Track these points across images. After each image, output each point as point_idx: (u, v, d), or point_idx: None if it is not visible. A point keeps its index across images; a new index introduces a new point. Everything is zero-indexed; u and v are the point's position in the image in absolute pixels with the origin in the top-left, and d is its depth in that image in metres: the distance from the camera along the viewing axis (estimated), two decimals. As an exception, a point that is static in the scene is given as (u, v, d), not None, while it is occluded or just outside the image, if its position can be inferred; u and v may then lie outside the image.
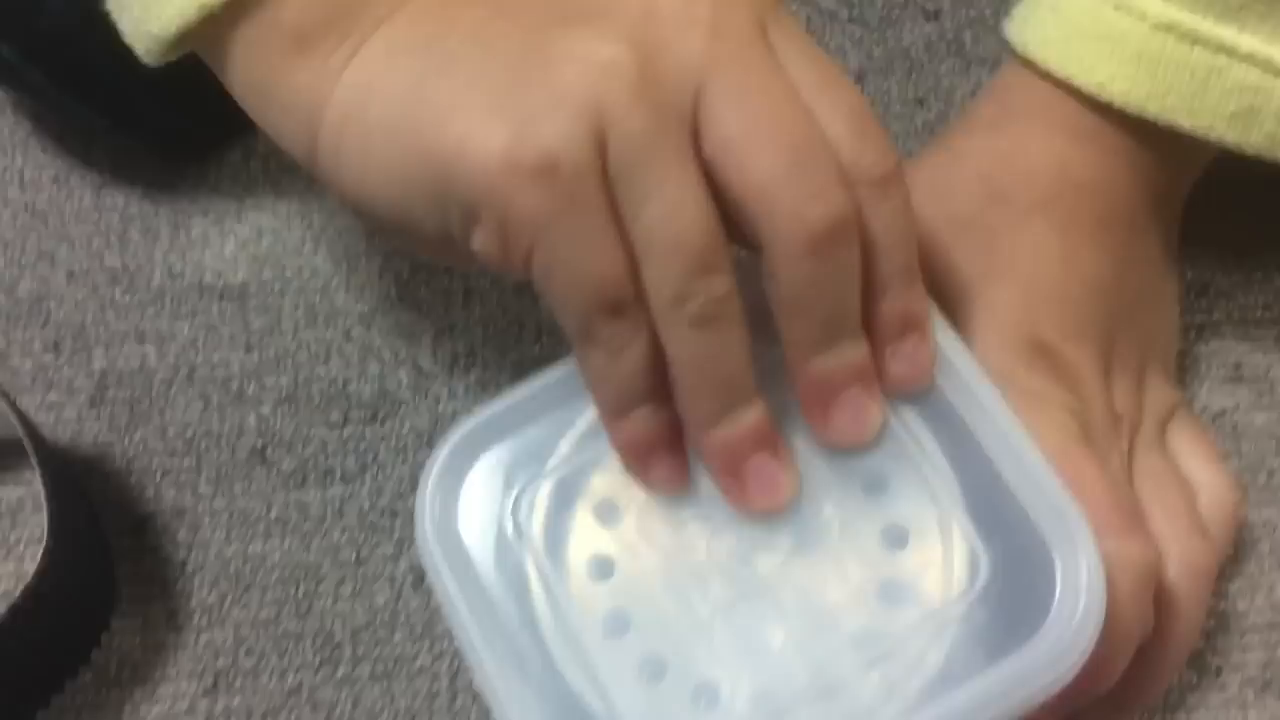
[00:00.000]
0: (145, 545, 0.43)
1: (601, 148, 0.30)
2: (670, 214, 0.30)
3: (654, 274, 0.31)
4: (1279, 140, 0.38)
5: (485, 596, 0.33)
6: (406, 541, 0.43)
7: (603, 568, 0.33)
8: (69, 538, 0.39)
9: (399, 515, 0.43)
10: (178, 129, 0.49)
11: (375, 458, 0.44)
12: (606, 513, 0.34)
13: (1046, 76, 0.40)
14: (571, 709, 0.32)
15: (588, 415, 0.34)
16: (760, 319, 0.32)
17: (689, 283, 0.31)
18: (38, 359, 0.46)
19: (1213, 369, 0.45)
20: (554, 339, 0.46)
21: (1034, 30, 0.40)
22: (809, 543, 0.33)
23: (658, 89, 0.30)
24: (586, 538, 0.34)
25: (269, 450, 0.45)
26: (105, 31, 0.35)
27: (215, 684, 0.41)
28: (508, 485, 0.34)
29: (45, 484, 0.39)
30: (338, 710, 0.40)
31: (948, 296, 0.36)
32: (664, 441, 0.33)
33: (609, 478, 0.34)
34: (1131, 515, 0.35)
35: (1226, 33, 0.37)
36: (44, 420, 0.45)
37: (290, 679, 0.41)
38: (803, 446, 0.33)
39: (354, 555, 0.43)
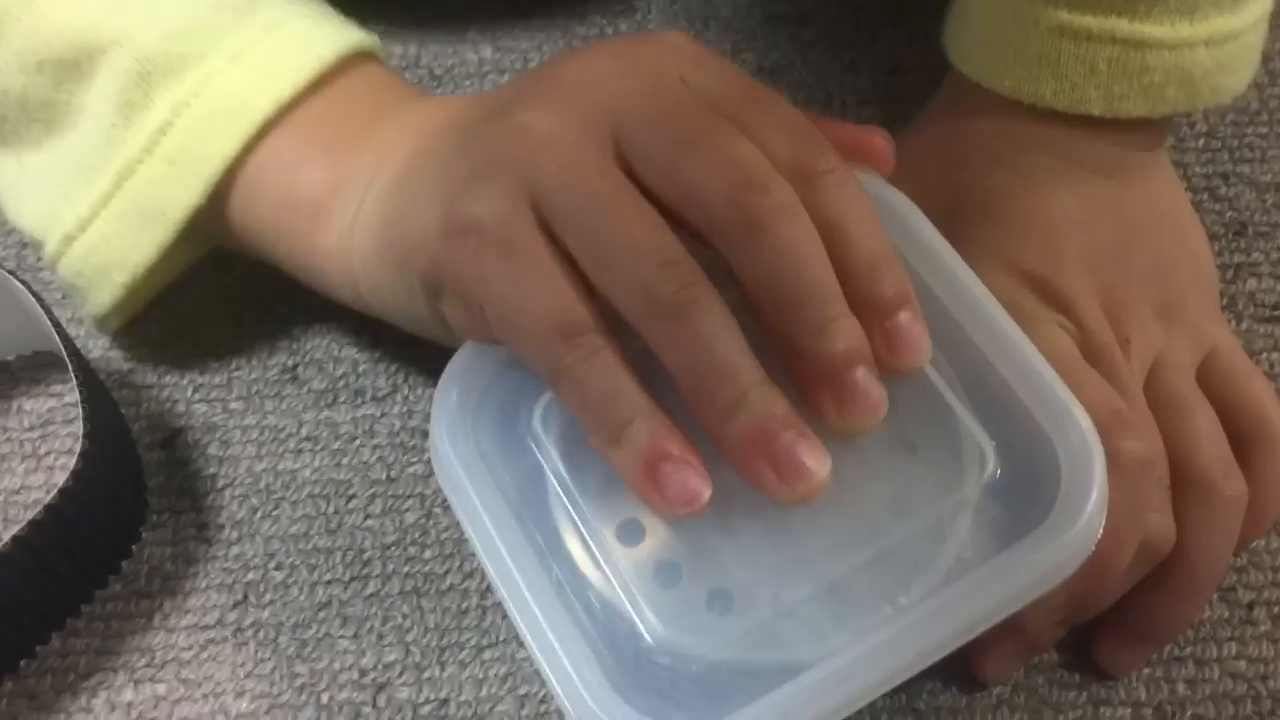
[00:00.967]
0: (176, 459, 0.43)
1: (530, 200, 0.32)
2: (609, 222, 0.31)
3: (615, 287, 0.31)
4: (1189, 100, 0.40)
5: (503, 503, 0.33)
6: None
7: (618, 481, 0.33)
8: (102, 445, 0.39)
9: (428, 435, 0.43)
10: None
11: (406, 378, 0.44)
12: None
13: (972, 82, 0.42)
14: (601, 615, 0.32)
15: None
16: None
17: (650, 277, 0.31)
18: (69, 274, 0.46)
19: (1250, 308, 0.45)
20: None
21: (955, 40, 0.43)
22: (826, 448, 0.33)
23: (570, 132, 0.32)
24: None
25: (300, 369, 0.44)
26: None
27: (245, 597, 0.41)
28: (526, 394, 0.34)
29: (80, 389, 0.39)
30: (367, 625, 0.40)
31: None
32: (666, 456, 0.31)
33: None
34: (1128, 415, 0.36)
35: (1119, 24, 0.39)
36: (75, 334, 0.45)
37: (320, 593, 0.41)
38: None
39: (384, 474, 0.43)
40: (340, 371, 0.44)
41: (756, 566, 0.32)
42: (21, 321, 0.42)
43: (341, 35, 0.40)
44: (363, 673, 0.39)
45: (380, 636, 0.40)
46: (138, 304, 0.43)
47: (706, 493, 0.31)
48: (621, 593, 0.32)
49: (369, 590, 0.41)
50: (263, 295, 0.46)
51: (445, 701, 0.39)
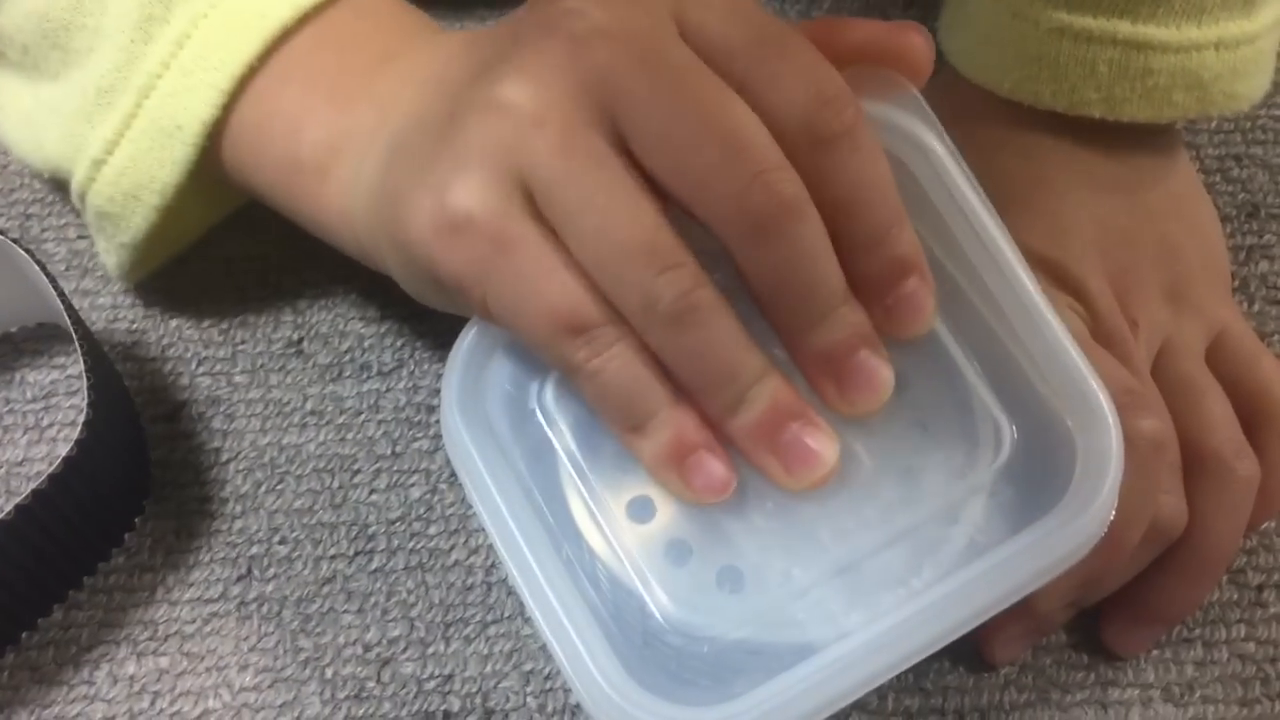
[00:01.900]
0: (179, 432, 0.43)
1: (521, 187, 0.30)
2: (606, 223, 0.30)
3: (615, 289, 0.30)
4: (1201, 104, 0.40)
5: (512, 479, 0.32)
6: (442, 437, 0.42)
7: (629, 457, 0.33)
8: (106, 416, 0.38)
9: (434, 411, 0.43)
10: None
11: (412, 353, 0.44)
12: None
13: (970, 83, 0.41)
14: (611, 593, 0.32)
15: None
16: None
17: (650, 285, 0.30)
18: (71, 245, 0.46)
19: (1261, 290, 0.45)
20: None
21: (953, 40, 0.42)
22: (840, 428, 0.32)
23: (560, 110, 0.30)
24: None
25: (305, 342, 0.44)
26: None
27: (249, 570, 0.41)
28: (536, 369, 0.34)
29: (84, 360, 0.38)
30: (372, 600, 0.40)
31: None
32: (692, 447, 0.31)
33: None
34: (1140, 395, 0.36)
35: (1120, 26, 0.38)
36: (79, 305, 0.44)
37: (324, 568, 0.41)
38: None
39: (390, 449, 0.42)
40: (346, 345, 0.44)
41: (767, 545, 0.32)
42: (25, 292, 0.42)
43: None
44: (367, 648, 0.39)
45: (385, 612, 0.40)
46: (159, 255, 0.43)
47: (733, 481, 0.31)
48: (631, 570, 0.32)
49: (373, 565, 0.41)
50: (268, 269, 0.45)
51: (450, 677, 0.39)
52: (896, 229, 0.31)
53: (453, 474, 0.42)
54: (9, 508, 0.36)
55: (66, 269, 0.45)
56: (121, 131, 0.39)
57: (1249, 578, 0.40)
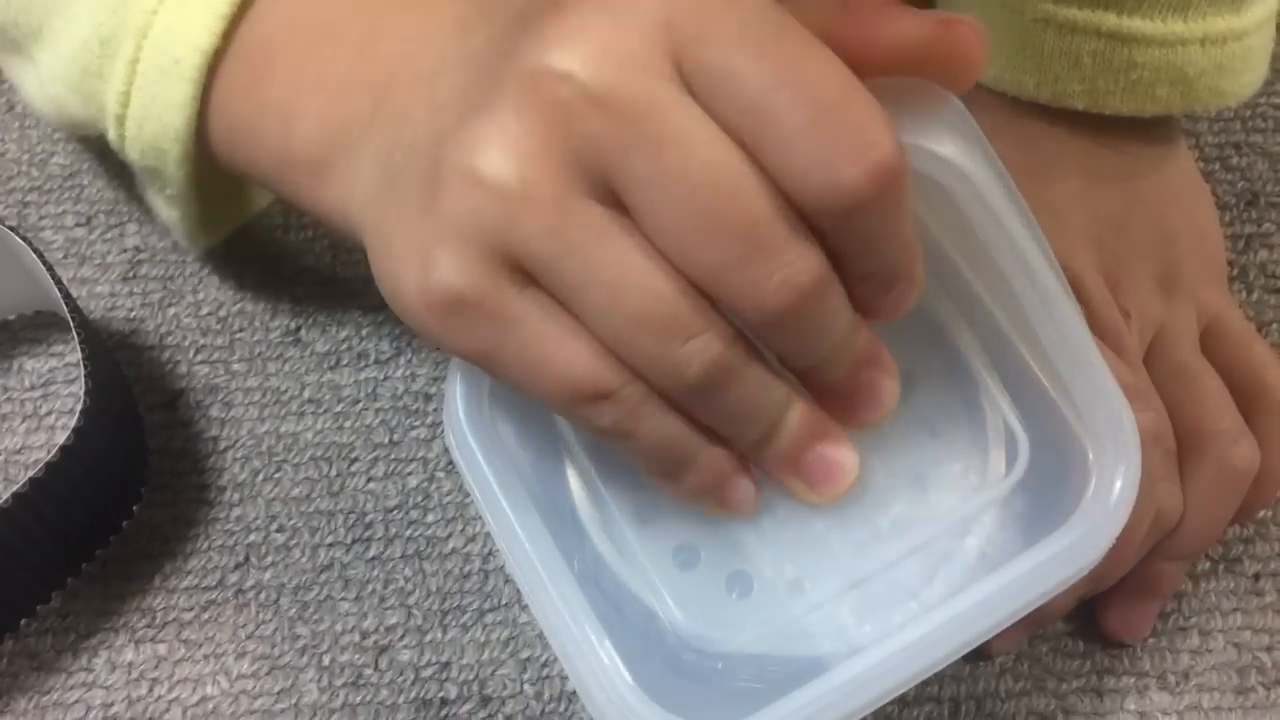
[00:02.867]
0: (177, 420, 0.43)
1: (508, 261, 0.28)
2: (617, 299, 0.27)
3: (633, 359, 0.28)
4: (1185, 100, 0.39)
5: (520, 486, 0.31)
6: (440, 425, 0.42)
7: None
8: (103, 404, 0.38)
9: (432, 399, 0.43)
10: None
11: (410, 342, 0.44)
12: None
13: None
14: (617, 597, 0.32)
15: None
16: None
17: (673, 356, 0.28)
18: (69, 233, 0.46)
19: (1260, 279, 0.45)
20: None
21: None
22: (853, 438, 0.32)
23: (550, 186, 0.27)
24: None
25: (303, 331, 0.44)
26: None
27: (246, 558, 0.41)
28: None
29: (82, 348, 0.38)
30: (369, 588, 0.40)
31: None
32: (727, 482, 0.31)
33: None
34: (1138, 389, 0.36)
35: (1105, 18, 0.38)
36: (76, 294, 0.44)
37: (322, 556, 0.41)
38: None
39: (387, 437, 0.42)
40: (343, 334, 0.44)
41: (777, 554, 0.32)
42: (23, 280, 0.42)
43: None
44: (364, 635, 0.39)
45: (382, 599, 0.40)
46: (220, 220, 0.42)
47: (760, 496, 0.31)
48: (640, 577, 0.32)
49: (371, 553, 0.41)
50: (265, 257, 0.45)
51: (447, 664, 0.39)
52: (913, 270, 0.29)
53: (449, 462, 0.42)
54: (7, 495, 0.36)
55: (64, 257, 0.45)
56: (129, 80, 0.37)
57: (1245, 566, 0.40)
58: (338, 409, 0.43)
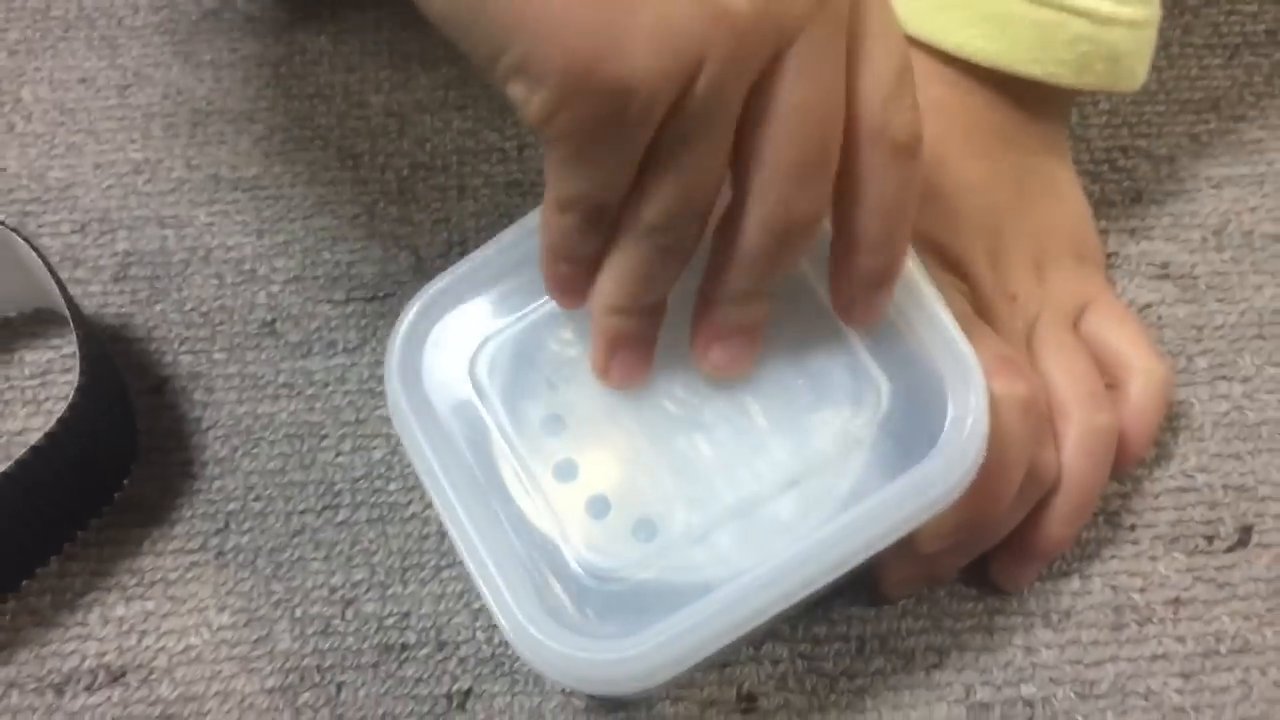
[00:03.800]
0: (164, 404, 0.47)
1: (681, 90, 0.29)
2: (692, 184, 0.31)
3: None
4: (1109, 77, 0.44)
5: (449, 445, 0.36)
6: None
7: (554, 424, 0.37)
8: (96, 386, 0.43)
9: (395, 383, 0.47)
10: None
11: (375, 332, 0.48)
12: (561, 371, 0.37)
13: (915, 41, 0.44)
14: (533, 543, 0.36)
15: None
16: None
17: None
18: (65, 239, 0.51)
19: (1142, 266, 0.49)
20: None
21: (903, 5, 0.44)
22: (737, 389, 0.36)
23: (751, 50, 0.29)
24: (540, 397, 0.37)
25: (278, 324, 0.49)
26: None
27: (226, 524, 0.45)
28: (471, 343, 0.37)
29: (78, 336, 0.43)
30: (337, 549, 0.44)
31: None
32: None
33: (565, 334, 0.37)
34: (1013, 361, 0.40)
35: None
36: (74, 292, 0.49)
37: (295, 521, 0.45)
38: None
39: (354, 416, 0.47)
40: (315, 326, 0.49)
41: (672, 499, 0.36)
42: (24, 280, 0.47)
43: None
44: (333, 590, 0.44)
45: (349, 559, 0.44)
46: None
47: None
48: (554, 526, 0.36)
49: (339, 518, 0.45)
50: (243, 258, 0.50)
51: (407, 614, 0.43)
52: (901, 246, 0.34)
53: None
54: (10, 463, 0.40)
55: (61, 261, 0.50)
56: None
57: (1123, 519, 0.44)
58: (309, 392, 0.47)
